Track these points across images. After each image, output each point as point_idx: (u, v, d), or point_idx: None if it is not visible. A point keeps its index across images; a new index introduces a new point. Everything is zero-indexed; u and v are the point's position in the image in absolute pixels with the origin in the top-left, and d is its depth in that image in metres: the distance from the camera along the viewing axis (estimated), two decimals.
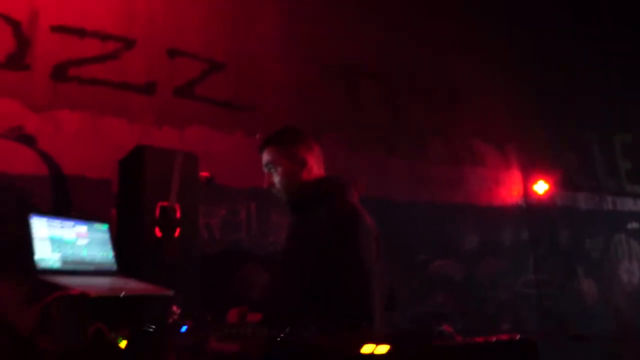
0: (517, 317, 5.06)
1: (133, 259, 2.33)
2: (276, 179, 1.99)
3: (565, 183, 6.14)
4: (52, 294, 1.32)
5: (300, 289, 1.73)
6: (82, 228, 1.85)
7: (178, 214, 2.61)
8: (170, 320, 1.82)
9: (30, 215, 1.65)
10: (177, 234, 2.58)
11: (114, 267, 1.92)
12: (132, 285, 1.75)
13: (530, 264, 5.49)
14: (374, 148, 4.51)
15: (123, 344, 1.02)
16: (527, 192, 5.80)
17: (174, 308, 2.07)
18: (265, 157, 2.02)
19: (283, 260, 2.00)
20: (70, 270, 1.65)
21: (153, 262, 2.45)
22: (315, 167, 2.02)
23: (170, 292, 1.83)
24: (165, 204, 2.58)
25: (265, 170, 2.04)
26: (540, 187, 5.81)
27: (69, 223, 1.77)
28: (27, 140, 3.07)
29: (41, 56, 3.21)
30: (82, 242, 1.82)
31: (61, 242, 1.70)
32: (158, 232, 2.52)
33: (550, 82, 5.93)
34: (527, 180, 5.82)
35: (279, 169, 1.98)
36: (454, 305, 4.46)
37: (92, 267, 1.79)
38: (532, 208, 5.75)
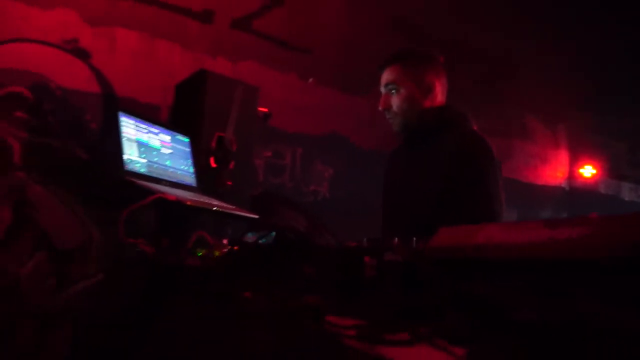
0: None
1: (199, 188, 2.28)
2: (395, 101, 1.81)
3: (612, 171, 5.97)
4: (144, 198, 1.27)
5: (422, 223, 1.64)
6: (166, 137, 1.79)
7: (234, 147, 2.54)
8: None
9: (120, 112, 1.59)
10: (231, 166, 2.51)
11: (194, 183, 1.86)
12: (218, 203, 1.70)
13: None
14: None
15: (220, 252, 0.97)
16: (572, 175, 5.66)
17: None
18: (387, 76, 1.84)
19: (398, 196, 1.83)
20: (155, 177, 1.59)
21: (205, 191, 2.40)
22: (440, 95, 1.86)
23: (257, 215, 1.78)
24: (223, 134, 2.51)
25: (384, 90, 1.85)
26: (587, 171, 5.65)
27: (154, 129, 1.70)
28: (82, 54, 3.01)
29: None
30: (166, 151, 1.76)
31: (147, 147, 1.64)
32: (213, 163, 2.46)
33: (609, 69, 5.68)
34: (574, 163, 5.66)
35: (402, 91, 1.80)
36: None
37: (174, 178, 1.73)
38: (575, 191, 5.61)
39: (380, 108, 1.83)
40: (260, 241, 1.07)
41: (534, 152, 5.35)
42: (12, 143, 2.73)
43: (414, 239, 0.88)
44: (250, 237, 1.24)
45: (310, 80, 3.80)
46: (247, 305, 0.80)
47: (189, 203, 1.40)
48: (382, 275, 0.81)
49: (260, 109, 2.80)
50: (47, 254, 2.73)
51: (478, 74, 4.87)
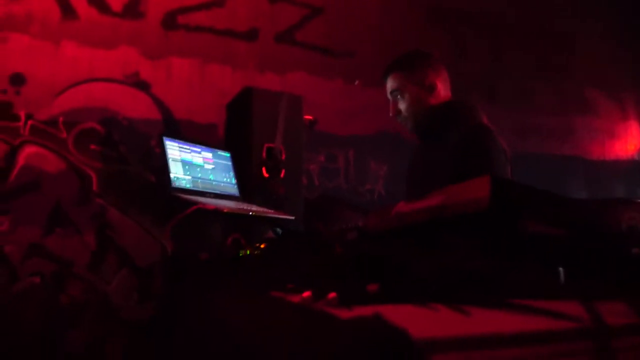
0: None
1: (242, 197, 2.46)
2: (402, 106, 1.95)
3: None
4: (189, 209, 1.45)
5: None
6: (208, 154, 1.98)
7: (283, 156, 2.71)
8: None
9: (164, 137, 1.79)
10: (282, 174, 2.68)
11: (237, 192, 2.04)
12: (256, 208, 1.87)
13: None
14: (475, 97, 4.36)
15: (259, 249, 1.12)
16: None
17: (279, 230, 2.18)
18: (390, 83, 1.98)
19: (413, 189, 1.98)
20: (199, 191, 1.78)
21: (260, 201, 2.57)
22: (443, 91, 1.97)
23: (292, 217, 1.93)
24: (272, 145, 2.67)
25: (390, 97, 2.00)
26: None
27: (196, 148, 1.90)
28: (143, 86, 3.30)
29: (153, 4, 3.39)
30: (209, 166, 1.95)
31: (191, 165, 1.83)
32: (265, 173, 2.64)
33: None
34: None
35: (406, 96, 1.93)
36: None
37: (217, 190, 1.92)
38: None
39: (390, 115, 1.95)
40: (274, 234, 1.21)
41: (599, 126, 5.15)
42: (90, 173, 3.05)
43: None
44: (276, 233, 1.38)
45: (357, 82, 3.90)
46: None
47: (225, 210, 1.56)
48: (347, 251, 0.95)
49: (306, 116, 2.94)
50: (129, 271, 3.03)
51: (531, 53, 4.77)
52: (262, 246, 1.13)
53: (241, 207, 1.79)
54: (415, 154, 2.05)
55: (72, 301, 2.84)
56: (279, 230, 1.65)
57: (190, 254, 1.29)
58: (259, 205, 2.04)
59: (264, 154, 2.68)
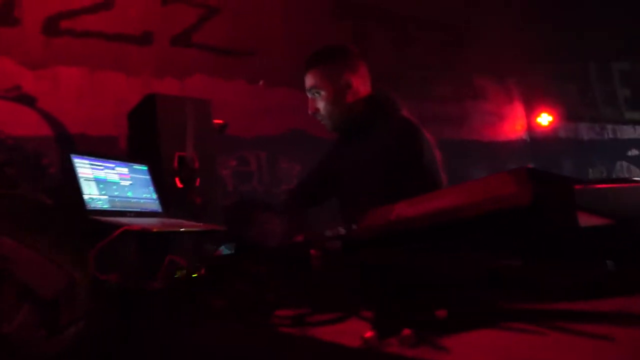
0: None
1: (165, 213, 2.30)
2: (320, 104, 1.90)
3: (568, 114, 6.15)
4: (112, 232, 1.30)
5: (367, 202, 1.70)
6: (123, 169, 1.81)
7: (197, 163, 2.56)
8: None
9: (72, 155, 1.61)
10: (197, 183, 2.54)
11: (159, 208, 1.89)
12: (185, 223, 1.74)
13: None
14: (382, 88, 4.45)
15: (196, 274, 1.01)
16: (530, 126, 5.82)
17: (208, 246, 2.06)
18: (309, 80, 1.93)
19: (346, 188, 1.93)
20: (118, 211, 1.62)
21: (177, 212, 2.42)
22: (362, 87, 1.93)
23: (223, 228, 1.82)
24: (183, 153, 2.52)
25: (309, 95, 1.95)
26: (544, 119, 5.82)
27: (110, 164, 1.73)
28: (27, 100, 2.98)
29: (30, 10, 3.07)
30: (126, 183, 1.79)
31: (106, 183, 1.66)
32: (179, 183, 2.48)
33: (549, 12, 5.84)
34: (530, 114, 5.82)
35: (323, 94, 1.89)
36: None
37: (138, 208, 1.77)
38: (535, 141, 5.78)
39: (309, 112, 1.91)
40: (223, 252, 1.12)
41: (489, 110, 5.48)
42: None
43: (353, 225, 0.95)
44: (222, 250, 1.28)
45: (260, 82, 3.83)
46: (206, 311, 0.85)
47: (154, 230, 1.44)
48: (327, 264, 0.88)
49: (216, 121, 2.82)
50: (31, 306, 2.73)
51: (429, 45, 4.96)
52: (206, 267, 1.02)
53: (168, 223, 1.65)
54: (336, 152, 2.02)
55: None
56: (211, 246, 1.54)
57: (135, 284, 1.14)
58: (183, 219, 1.90)
59: (176, 164, 2.52)
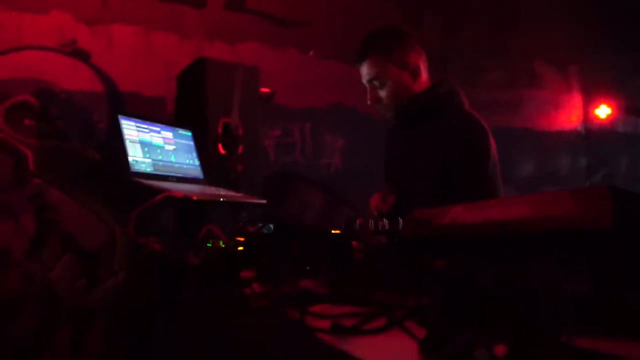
0: None
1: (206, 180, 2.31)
2: (384, 93, 1.75)
3: (628, 108, 5.85)
4: (154, 197, 1.30)
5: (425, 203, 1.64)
6: (168, 134, 1.82)
7: (240, 131, 2.57)
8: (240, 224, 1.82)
9: (119, 115, 1.62)
10: (240, 150, 2.54)
11: (201, 175, 1.90)
12: (225, 192, 1.74)
13: None
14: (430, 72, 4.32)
15: (240, 247, 0.99)
16: (587, 117, 5.56)
17: (244, 214, 2.07)
18: (368, 70, 1.76)
19: (399, 179, 1.82)
20: (161, 175, 1.63)
21: (217, 179, 2.43)
22: (425, 74, 1.80)
23: (264, 201, 1.81)
24: (228, 120, 2.53)
25: (367, 84, 1.79)
26: (602, 111, 5.55)
27: (155, 128, 1.74)
28: (82, 55, 3.03)
29: None
30: (170, 147, 1.80)
31: (151, 146, 1.67)
32: (221, 149, 2.49)
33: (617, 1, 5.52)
34: (588, 105, 5.56)
35: (388, 83, 1.73)
36: None
37: (180, 173, 1.77)
38: (591, 134, 5.53)
39: (369, 103, 1.78)
40: (262, 229, 1.09)
41: (545, 97, 5.26)
42: (25, 151, 2.79)
43: (400, 220, 0.90)
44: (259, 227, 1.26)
45: (311, 53, 3.77)
46: (242, 298, 0.83)
47: (195, 198, 1.43)
48: (369, 258, 0.84)
49: (263, 89, 2.80)
50: (74, 256, 2.82)
51: (482, 28, 4.79)
52: (249, 239, 1.00)
53: (209, 192, 1.65)
54: (394, 140, 1.92)
55: (10, 292, 2.62)
56: (246, 217, 1.53)
57: (173, 252, 1.14)
58: (224, 187, 1.90)
59: (220, 130, 2.53)
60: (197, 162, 1.92)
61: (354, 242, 0.87)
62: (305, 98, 3.78)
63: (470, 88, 4.51)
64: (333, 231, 0.94)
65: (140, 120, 1.67)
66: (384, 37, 1.78)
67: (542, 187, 5.00)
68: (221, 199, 1.57)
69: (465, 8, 4.71)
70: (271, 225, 1.08)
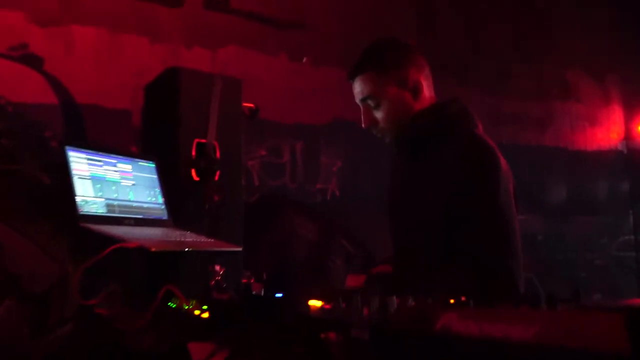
0: (612, 286, 4.94)
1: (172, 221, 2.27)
2: (380, 114, 1.75)
3: None
4: (105, 247, 1.26)
5: (428, 248, 1.61)
6: (126, 166, 1.78)
7: (218, 153, 2.53)
8: (213, 282, 1.78)
9: (67, 147, 1.58)
10: (217, 177, 2.50)
11: (165, 215, 1.86)
12: (193, 239, 1.69)
13: (630, 222, 5.31)
14: (448, 79, 4.31)
15: (204, 314, 0.94)
16: (629, 134, 5.54)
17: (216, 267, 2.02)
18: (361, 87, 1.76)
19: (398, 214, 1.84)
20: (116, 217, 1.59)
21: (189, 211, 2.39)
22: (427, 90, 1.80)
23: (240, 248, 1.78)
24: (203, 140, 2.50)
25: (361, 104, 1.79)
26: None
27: (111, 160, 1.70)
28: (34, 61, 3.00)
29: None
30: (128, 183, 1.76)
31: (104, 182, 1.63)
32: (195, 175, 2.45)
33: None
34: (630, 120, 5.54)
35: (385, 102, 1.73)
36: (535, 269, 4.35)
37: (140, 214, 1.74)
38: (634, 154, 5.50)
39: (363, 126, 1.78)
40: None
41: (580, 112, 5.25)
42: None
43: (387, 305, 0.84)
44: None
45: (305, 59, 3.76)
46: None
47: (153, 249, 1.38)
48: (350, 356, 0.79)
49: (245, 104, 2.78)
50: (18, 300, 2.75)
51: (507, 31, 4.80)
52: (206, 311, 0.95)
53: (173, 238, 1.61)
54: (395, 171, 1.92)
55: None
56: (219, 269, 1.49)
57: (122, 318, 1.09)
58: (196, 228, 1.86)
59: (194, 152, 2.49)
60: (160, 200, 1.88)
61: (331, 335, 0.82)
62: (297, 112, 3.75)
63: (495, 98, 4.54)
64: (312, 308, 0.88)
65: (92, 152, 1.64)
66: (380, 50, 1.79)
67: (577, 217, 4.96)
68: (186, 249, 1.53)
69: (489, 7, 4.71)
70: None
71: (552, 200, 4.92)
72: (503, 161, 1.67)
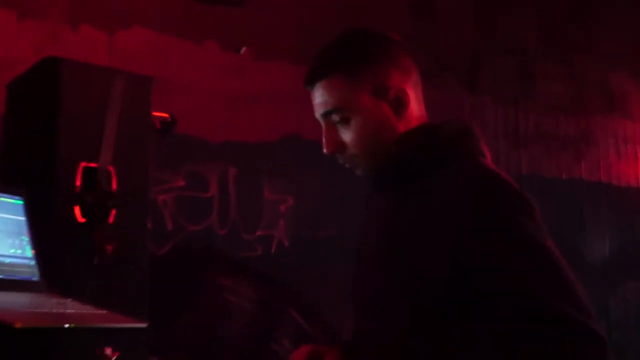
0: None
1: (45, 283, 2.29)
2: (348, 135, 1.73)
3: None
4: None
5: (408, 325, 1.64)
6: None
7: (114, 184, 2.56)
8: None
9: None
10: (112, 218, 2.53)
11: (36, 275, 1.87)
12: (75, 309, 1.71)
13: None
14: (450, 84, 4.43)
15: None
16: None
17: (107, 351, 2.03)
18: (325, 97, 1.74)
19: (371, 272, 1.83)
20: None
21: (70, 268, 2.41)
22: (415, 103, 1.80)
23: (144, 324, 1.80)
24: (93, 165, 2.52)
25: (323, 121, 1.77)
26: None
27: None
28: None
29: None
30: None
31: None
32: (80, 216, 2.47)
33: None
34: None
35: (356, 119, 1.72)
36: None
37: (1, 274, 1.75)
38: None
39: (325, 151, 1.80)
40: None
41: (629, 131, 5.44)
42: None
43: None
44: None
45: (243, 50, 3.83)
46: None
47: (18, 325, 1.40)
48: None
49: (156, 113, 2.81)
50: None
51: (530, 21, 4.98)
52: None
53: (47, 308, 1.62)
54: (371, 211, 1.95)
55: None
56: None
57: None
58: (78, 293, 1.88)
59: (79, 181, 2.51)
60: (29, 253, 1.90)
61: None
62: (231, 126, 3.80)
63: (511, 110, 4.67)
64: None
65: None
66: (350, 45, 1.82)
67: (626, 282, 5.10)
68: (66, 325, 1.55)
69: None
70: None
71: (594, 255, 5.06)
72: (521, 193, 1.69)
